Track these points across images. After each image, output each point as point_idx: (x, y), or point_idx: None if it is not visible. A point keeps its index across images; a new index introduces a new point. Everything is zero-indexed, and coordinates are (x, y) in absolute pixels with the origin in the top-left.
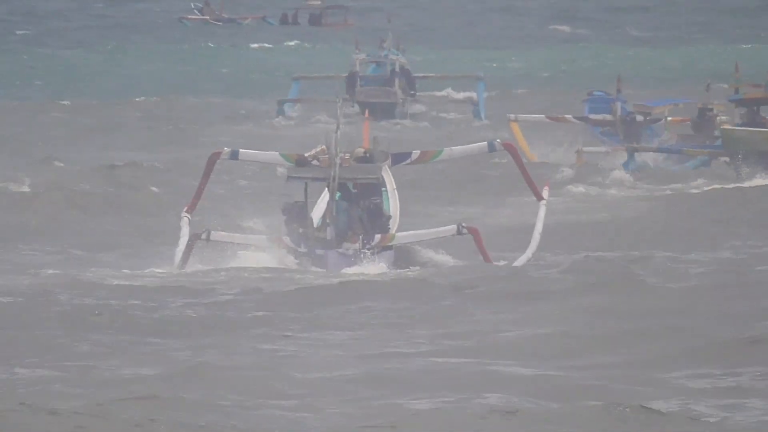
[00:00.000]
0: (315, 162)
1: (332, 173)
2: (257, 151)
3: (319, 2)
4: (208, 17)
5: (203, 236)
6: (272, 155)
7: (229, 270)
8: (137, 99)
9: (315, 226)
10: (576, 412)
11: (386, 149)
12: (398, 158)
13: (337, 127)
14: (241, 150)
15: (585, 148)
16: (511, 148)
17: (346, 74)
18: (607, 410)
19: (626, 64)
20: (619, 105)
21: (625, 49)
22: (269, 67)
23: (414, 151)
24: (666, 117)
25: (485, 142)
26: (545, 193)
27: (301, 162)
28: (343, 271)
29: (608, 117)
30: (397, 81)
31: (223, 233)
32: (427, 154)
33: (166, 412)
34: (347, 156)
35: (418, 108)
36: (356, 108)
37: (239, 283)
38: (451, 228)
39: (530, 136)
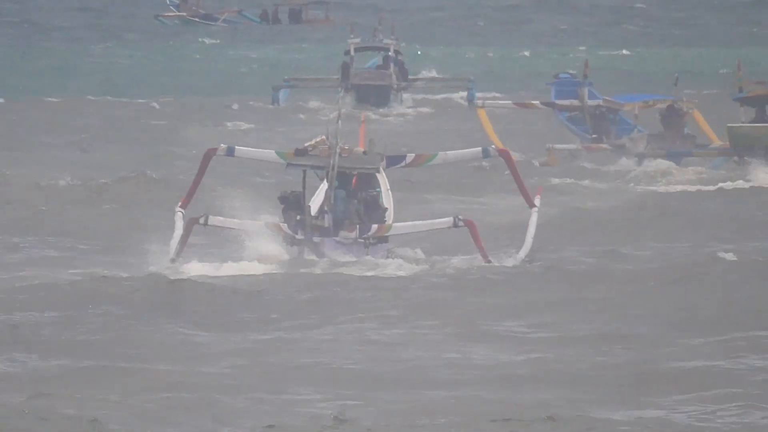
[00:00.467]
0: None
1: (332, 162)
2: (253, 148)
3: None
4: (185, 13)
5: (201, 221)
6: (268, 153)
7: (228, 264)
8: (125, 99)
9: (313, 214)
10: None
11: (382, 151)
12: (393, 161)
13: (338, 117)
14: (237, 147)
15: (556, 146)
16: (505, 154)
17: (341, 64)
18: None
19: (626, 63)
20: (586, 90)
21: (626, 48)
22: (256, 66)
23: (408, 154)
24: (635, 114)
25: (480, 148)
26: (537, 201)
27: (299, 151)
28: (339, 260)
29: (575, 102)
30: (392, 65)
31: (221, 218)
32: (421, 157)
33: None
34: (346, 146)
35: (411, 99)
36: (351, 96)
37: (236, 277)
38: (448, 220)
39: (501, 129)
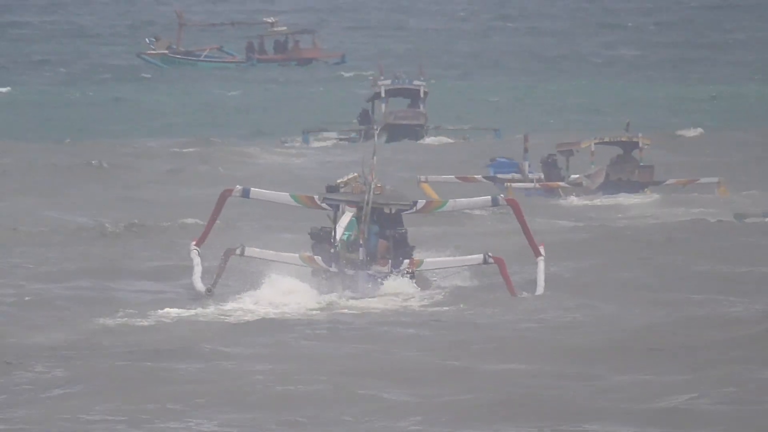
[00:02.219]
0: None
1: (366, 198)
2: (268, 191)
3: (285, 27)
4: (165, 51)
5: (237, 251)
6: (283, 196)
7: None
8: (144, 141)
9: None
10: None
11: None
12: (403, 207)
13: (373, 153)
14: (252, 189)
15: (514, 184)
16: (513, 204)
17: (359, 111)
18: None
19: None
20: (527, 165)
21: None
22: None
23: (419, 201)
24: (591, 151)
25: (489, 197)
26: (542, 250)
27: (331, 188)
28: (371, 294)
29: (516, 176)
30: (421, 105)
31: (257, 249)
32: (431, 204)
33: None
34: (380, 184)
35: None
36: (384, 134)
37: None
38: (478, 257)
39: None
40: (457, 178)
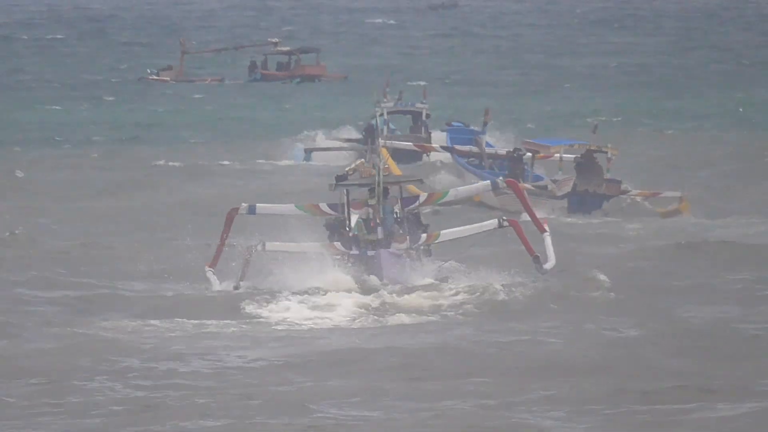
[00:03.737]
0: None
1: (377, 179)
2: (273, 204)
3: (288, 48)
4: (168, 78)
5: (258, 247)
6: (288, 207)
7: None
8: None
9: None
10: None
11: (396, 195)
12: (407, 202)
13: (378, 138)
14: (258, 204)
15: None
16: (513, 185)
17: (365, 126)
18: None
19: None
20: (484, 139)
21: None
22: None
23: (422, 195)
24: (560, 157)
25: (489, 181)
26: (546, 227)
27: (340, 177)
28: (395, 276)
29: (474, 149)
30: (423, 128)
31: (278, 243)
32: (433, 196)
33: None
34: (387, 166)
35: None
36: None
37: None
38: (492, 222)
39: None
40: (415, 145)
